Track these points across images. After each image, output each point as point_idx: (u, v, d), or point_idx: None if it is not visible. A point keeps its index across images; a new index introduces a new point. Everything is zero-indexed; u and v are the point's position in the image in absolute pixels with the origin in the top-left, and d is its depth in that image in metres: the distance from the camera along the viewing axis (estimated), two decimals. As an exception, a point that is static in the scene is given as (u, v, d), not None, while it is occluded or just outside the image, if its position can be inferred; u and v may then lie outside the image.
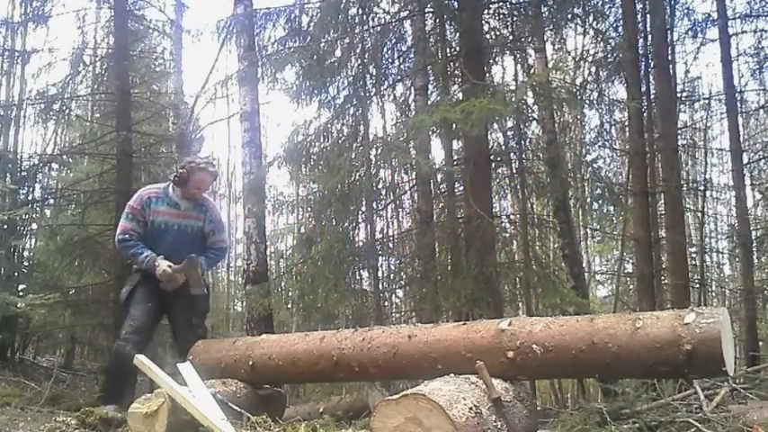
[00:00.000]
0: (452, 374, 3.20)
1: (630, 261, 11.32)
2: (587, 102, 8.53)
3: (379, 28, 8.43)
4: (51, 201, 11.72)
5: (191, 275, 4.42)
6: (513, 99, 6.86)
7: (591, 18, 8.50)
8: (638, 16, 9.60)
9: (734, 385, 4.64)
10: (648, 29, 9.65)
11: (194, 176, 4.39)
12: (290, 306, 9.94)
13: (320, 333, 4.18)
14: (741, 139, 10.98)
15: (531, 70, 9.08)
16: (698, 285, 11.07)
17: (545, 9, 8.06)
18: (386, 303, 10.27)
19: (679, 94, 10.69)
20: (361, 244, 8.27)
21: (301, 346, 4.07)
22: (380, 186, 8.47)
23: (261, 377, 4.27)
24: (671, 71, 9.93)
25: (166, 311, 4.71)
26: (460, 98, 7.31)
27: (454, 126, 6.72)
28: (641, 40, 9.71)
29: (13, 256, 10.90)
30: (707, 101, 11.83)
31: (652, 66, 9.63)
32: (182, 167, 4.40)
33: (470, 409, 2.82)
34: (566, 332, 3.25)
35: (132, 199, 4.53)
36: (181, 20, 12.56)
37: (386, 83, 8.65)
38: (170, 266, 4.35)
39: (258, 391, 4.32)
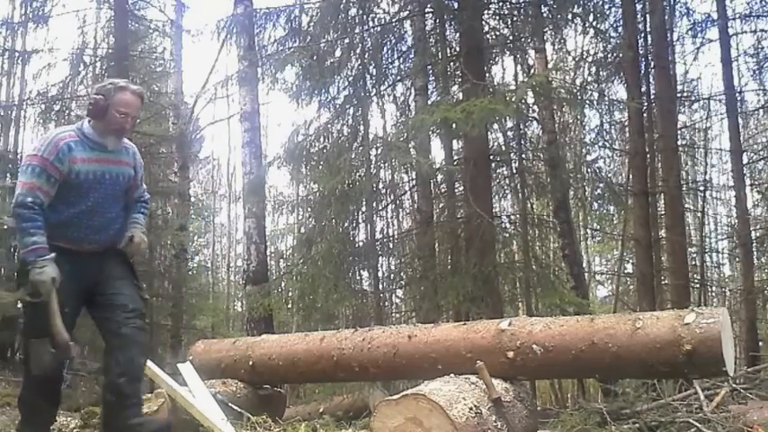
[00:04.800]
0: (452, 374, 3.21)
1: (630, 261, 11.31)
2: (587, 102, 8.53)
3: (379, 28, 8.44)
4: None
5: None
6: (514, 99, 6.86)
7: (591, 18, 8.51)
8: (638, 16, 9.60)
9: (734, 385, 4.63)
10: (648, 29, 9.65)
11: (114, 99, 3.14)
12: (290, 306, 9.95)
13: (320, 333, 4.19)
14: (741, 139, 10.97)
15: (532, 70, 9.07)
16: (698, 285, 11.06)
17: (545, 9, 8.06)
18: (386, 303, 10.26)
19: (679, 94, 10.68)
20: (361, 244, 8.27)
21: (301, 346, 4.07)
22: (380, 186, 8.47)
23: (261, 377, 4.28)
24: (671, 71, 9.93)
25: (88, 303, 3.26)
26: (461, 98, 7.32)
27: (454, 126, 6.72)
28: (641, 40, 9.70)
29: (13, 256, 10.89)
30: (707, 101, 11.82)
31: (652, 66, 9.63)
32: (95, 93, 3.19)
33: (470, 409, 2.83)
34: (566, 332, 3.25)
35: (38, 146, 3.10)
36: (181, 20, 12.57)
37: (386, 83, 8.65)
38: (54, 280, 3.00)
39: (258, 391, 4.33)
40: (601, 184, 8.82)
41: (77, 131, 3.17)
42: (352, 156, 7.71)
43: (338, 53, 8.28)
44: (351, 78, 8.34)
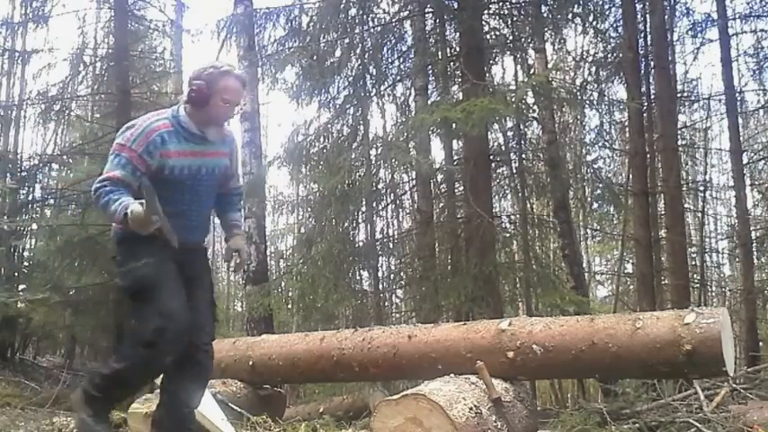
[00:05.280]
0: (452, 374, 3.21)
1: (630, 261, 11.31)
2: (587, 102, 8.54)
3: (379, 28, 8.44)
4: (51, 201, 11.72)
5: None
6: (514, 99, 6.86)
7: (591, 18, 8.51)
8: (638, 16, 9.60)
9: (734, 385, 4.64)
10: (648, 29, 9.65)
11: (218, 86, 2.77)
12: (290, 306, 9.94)
13: (320, 333, 4.19)
14: (741, 139, 10.97)
15: (532, 70, 9.08)
16: (698, 285, 11.06)
17: (545, 9, 8.07)
18: (386, 303, 10.27)
19: (679, 94, 10.67)
20: (361, 244, 8.28)
21: (301, 346, 4.07)
22: (380, 186, 8.48)
23: (261, 377, 4.27)
24: (671, 71, 9.93)
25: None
26: (461, 98, 7.32)
27: (454, 126, 6.72)
28: (641, 40, 9.71)
29: (13, 256, 10.91)
30: (707, 101, 11.82)
31: (652, 66, 9.63)
32: (196, 79, 2.79)
33: (470, 409, 2.83)
34: (566, 332, 3.25)
35: (128, 135, 2.75)
36: (181, 20, 12.55)
37: (386, 83, 8.66)
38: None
39: (258, 391, 4.33)
40: (601, 184, 8.82)
41: (172, 120, 2.82)
42: (352, 156, 7.71)
43: (338, 53, 8.28)
44: (351, 78, 8.35)
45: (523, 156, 8.62)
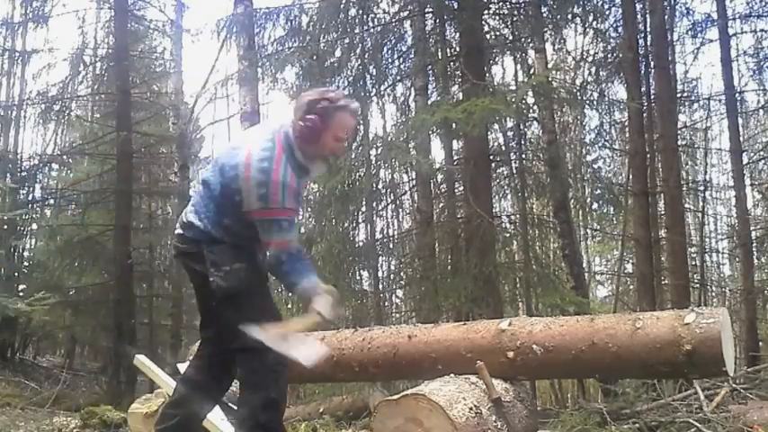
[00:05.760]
0: (452, 374, 3.21)
1: (630, 261, 11.31)
2: (587, 102, 8.53)
3: (379, 28, 8.44)
4: (51, 201, 11.73)
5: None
6: (514, 99, 6.86)
7: (591, 18, 8.52)
8: (638, 16, 9.60)
9: (734, 385, 4.64)
10: (648, 29, 9.65)
11: (333, 122, 2.56)
12: (289, 306, 9.93)
13: (320, 333, 4.18)
14: (741, 139, 10.98)
15: (532, 70, 9.08)
16: (698, 285, 11.06)
17: (545, 9, 8.07)
18: (386, 303, 10.27)
19: (679, 94, 10.67)
20: (361, 244, 8.28)
21: (301, 346, 4.07)
22: (380, 186, 8.48)
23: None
24: (671, 71, 9.93)
25: None
26: (461, 98, 7.32)
27: (454, 126, 6.72)
28: (641, 40, 9.70)
29: (13, 256, 10.91)
30: (707, 101, 11.81)
31: (652, 66, 9.63)
32: (309, 113, 2.53)
33: (470, 409, 2.83)
34: (566, 332, 3.25)
35: (278, 194, 2.48)
36: (181, 20, 12.56)
37: (386, 83, 8.66)
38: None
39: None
40: (601, 185, 8.82)
41: (287, 150, 2.56)
42: (352, 156, 7.71)
43: (338, 53, 8.28)
44: (351, 78, 8.35)
45: (523, 156, 8.63)
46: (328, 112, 2.54)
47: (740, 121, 11.33)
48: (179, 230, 2.76)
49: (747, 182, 11.24)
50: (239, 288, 2.56)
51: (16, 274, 11.08)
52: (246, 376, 2.61)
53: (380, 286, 8.66)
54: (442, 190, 8.98)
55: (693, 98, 11.88)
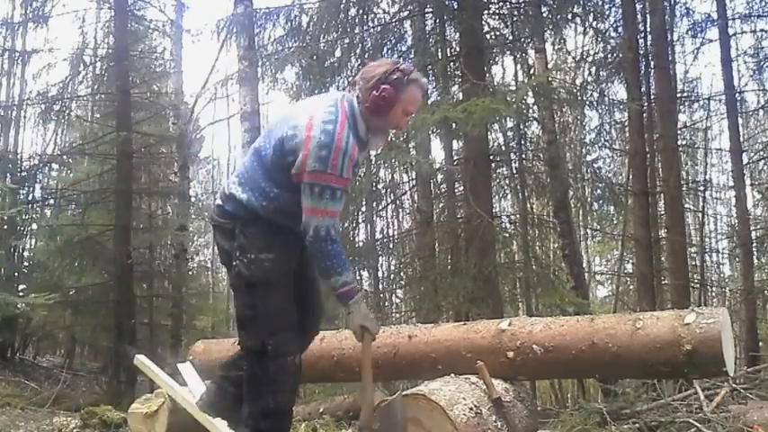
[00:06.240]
0: (452, 375, 3.21)
1: (630, 261, 11.32)
2: (587, 102, 8.53)
3: (379, 28, 8.44)
4: (51, 201, 11.73)
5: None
6: (514, 99, 6.86)
7: (591, 18, 8.51)
8: (638, 16, 9.61)
9: (734, 385, 4.64)
10: (648, 29, 9.65)
11: (406, 95, 2.44)
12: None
13: (320, 333, 4.17)
14: (741, 139, 10.98)
15: (532, 70, 9.08)
16: (698, 285, 11.06)
17: (545, 9, 8.07)
18: (386, 303, 10.27)
19: (679, 94, 10.68)
20: (361, 244, 8.28)
21: (301, 346, 4.07)
22: (380, 186, 8.48)
23: (261, 377, 4.26)
24: (671, 71, 9.93)
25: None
26: (461, 98, 7.32)
27: (454, 126, 6.72)
28: (641, 40, 9.71)
29: (13, 256, 10.91)
30: (707, 101, 11.82)
31: (652, 66, 9.63)
32: (384, 82, 2.39)
33: (470, 409, 2.82)
34: (566, 332, 3.25)
35: (334, 160, 2.32)
36: (181, 20, 12.56)
37: (386, 83, 8.65)
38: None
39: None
40: (601, 184, 8.82)
41: (351, 119, 2.41)
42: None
43: (338, 53, 8.28)
44: (351, 78, 8.33)
45: (523, 156, 8.63)
46: (402, 84, 2.42)
47: (740, 121, 11.34)
48: (218, 201, 2.59)
49: (747, 182, 11.25)
50: (260, 279, 2.43)
51: (16, 274, 11.08)
52: (248, 380, 2.53)
53: (380, 286, 8.67)
54: (442, 190, 8.99)
55: (693, 98, 11.90)
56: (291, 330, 2.49)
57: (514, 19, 8.36)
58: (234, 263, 2.48)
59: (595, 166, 9.83)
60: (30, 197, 11.03)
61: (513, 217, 8.95)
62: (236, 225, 2.49)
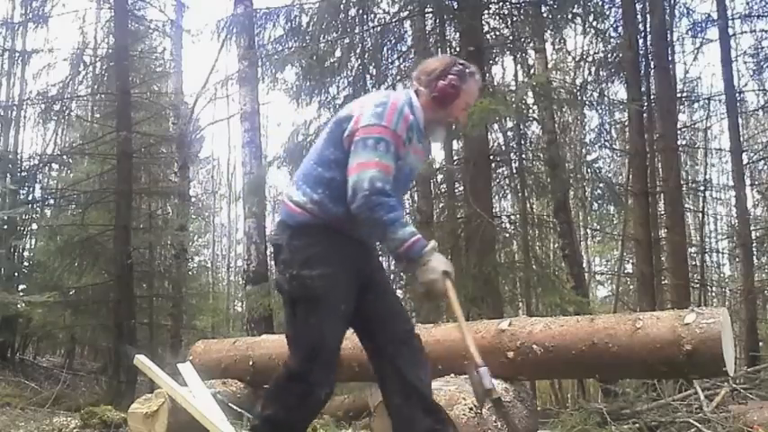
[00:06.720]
0: (452, 374, 3.21)
1: (630, 261, 11.32)
2: (587, 102, 8.53)
3: (379, 28, 8.44)
4: (51, 201, 11.74)
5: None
6: (514, 99, 6.86)
7: (591, 18, 8.51)
8: (638, 16, 9.60)
9: (734, 385, 4.64)
10: (648, 29, 9.65)
11: (468, 87, 2.43)
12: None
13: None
14: (741, 139, 10.96)
15: (532, 70, 9.08)
16: (698, 285, 11.06)
17: (545, 9, 8.06)
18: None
19: (679, 94, 10.67)
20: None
21: (301, 346, 4.07)
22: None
23: (261, 377, 4.27)
24: (671, 71, 9.92)
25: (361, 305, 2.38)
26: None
27: (454, 126, 6.71)
28: (641, 40, 9.70)
29: (13, 256, 10.92)
30: (707, 101, 11.81)
31: (652, 66, 9.62)
32: (450, 73, 2.37)
33: (470, 409, 2.83)
34: (566, 332, 3.25)
35: (386, 114, 2.24)
36: (181, 20, 12.59)
37: (386, 83, 8.65)
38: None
39: (259, 392, 4.32)
40: (601, 184, 8.81)
41: (411, 110, 2.32)
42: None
43: (338, 53, 8.28)
44: (351, 78, 8.34)
45: (523, 156, 8.62)
46: (465, 75, 2.42)
47: (740, 121, 11.32)
48: (280, 217, 2.45)
49: (747, 182, 11.24)
50: (300, 297, 2.26)
51: (16, 273, 11.08)
52: (271, 384, 2.41)
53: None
54: (442, 190, 8.98)
55: (693, 98, 11.88)
56: (326, 359, 2.26)
57: (514, 19, 8.35)
58: (277, 275, 2.40)
59: (595, 166, 9.80)
60: (30, 197, 11.03)
61: (513, 217, 8.94)
62: (283, 239, 2.35)
